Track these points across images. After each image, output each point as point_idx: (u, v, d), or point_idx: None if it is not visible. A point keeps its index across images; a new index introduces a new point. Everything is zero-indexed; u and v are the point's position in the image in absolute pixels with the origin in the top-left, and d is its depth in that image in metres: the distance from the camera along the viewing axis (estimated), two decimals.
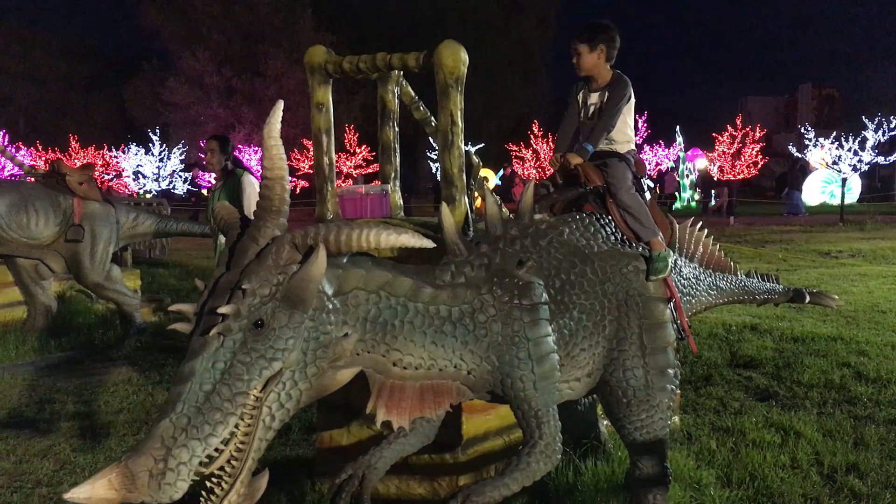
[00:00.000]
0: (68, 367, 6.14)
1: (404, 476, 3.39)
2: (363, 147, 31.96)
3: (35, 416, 4.90)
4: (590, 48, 3.35)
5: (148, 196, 25.96)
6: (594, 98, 3.43)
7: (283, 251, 2.30)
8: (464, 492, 2.58)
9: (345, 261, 2.44)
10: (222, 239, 5.48)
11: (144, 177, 31.20)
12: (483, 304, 2.65)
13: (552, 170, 3.46)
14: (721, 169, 29.19)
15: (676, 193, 29.96)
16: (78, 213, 6.74)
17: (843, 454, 4.04)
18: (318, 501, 3.52)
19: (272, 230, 2.34)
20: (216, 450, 2.21)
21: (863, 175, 30.61)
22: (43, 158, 31.80)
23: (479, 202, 4.56)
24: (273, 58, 35.55)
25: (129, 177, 31.43)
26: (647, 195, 3.39)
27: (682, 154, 31.00)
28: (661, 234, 3.26)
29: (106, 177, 31.46)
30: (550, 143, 30.14)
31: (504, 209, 3.64)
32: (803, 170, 30.99)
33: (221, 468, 2.24)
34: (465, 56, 3.16)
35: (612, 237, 3.18)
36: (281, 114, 2.35)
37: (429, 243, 2.40)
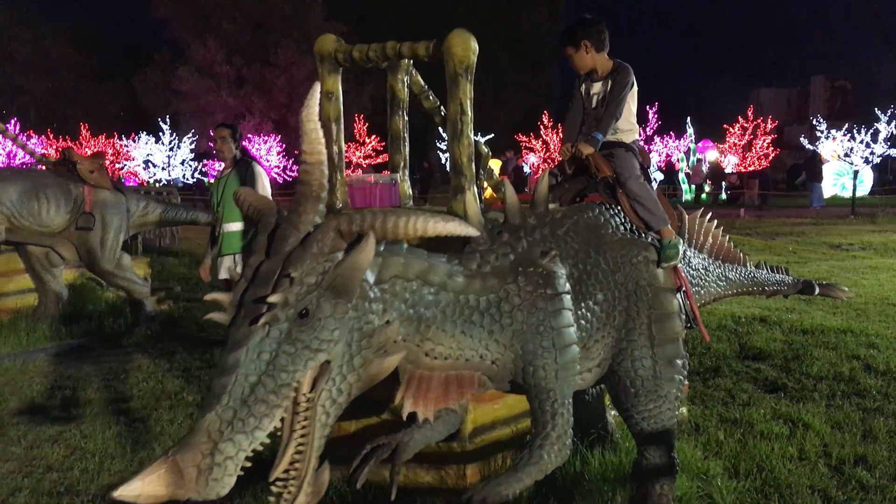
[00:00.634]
0: (79, 355, 6.18)
1: (412, 464, 3.38)
2: (373, 137, 31.97)
3: (46, 402, 4.95)
4: (575, 48, 3.35)
5: (158, 185, 26.04)
6: (597, 87, 3.42)
7: (328, 238, 2.23)
8: (479, 488, 2.56)
9: (382, 248, 2.40)
10: (226, 227, 5.50)
11: (154, 165, 31.32)
12: (508, 293, 2.64)
13: (560, 159, 3.46)
14: (743, 159, 28.88)
15: (684, 185, 29.67)
16: (89, 201, 6.78)
17: (851, 446, 4.03)
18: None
19: (313, 216, 2.26)
20: (275, 453, 2.16)
21: (875, 167, 30.35)
22: (54, 147, 31.91)
23: (488, 192, 4.55)
24: (283, 47, 35.62)
25: (139, 166, 31.55)
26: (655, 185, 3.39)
27: (692, 146, 30.84)
28: (670, 222, 3.26)
29: (117, 165, 31.58)
30: (560, 135, 30.00)
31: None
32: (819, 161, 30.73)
33: (286, 472, 2.22)
34: (474, 45, 3.16)
35: (622, 227, 3.19)
36: (318, 96, 2.29)
37: (475, 232, 2.39)
